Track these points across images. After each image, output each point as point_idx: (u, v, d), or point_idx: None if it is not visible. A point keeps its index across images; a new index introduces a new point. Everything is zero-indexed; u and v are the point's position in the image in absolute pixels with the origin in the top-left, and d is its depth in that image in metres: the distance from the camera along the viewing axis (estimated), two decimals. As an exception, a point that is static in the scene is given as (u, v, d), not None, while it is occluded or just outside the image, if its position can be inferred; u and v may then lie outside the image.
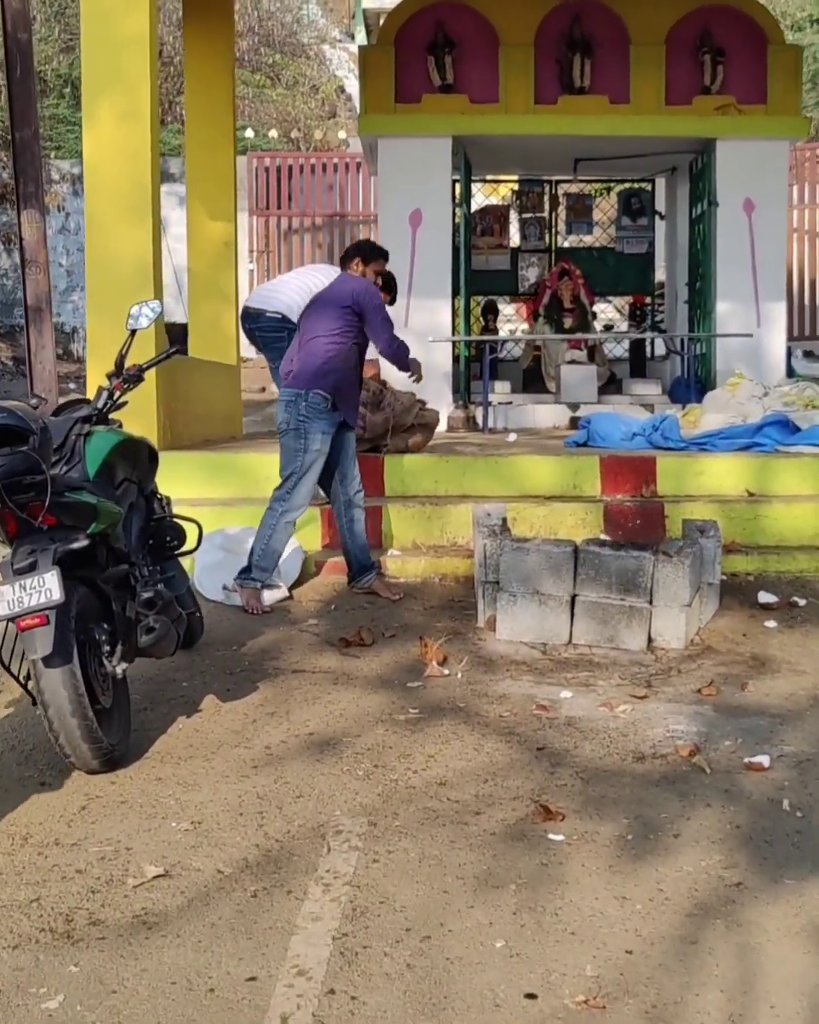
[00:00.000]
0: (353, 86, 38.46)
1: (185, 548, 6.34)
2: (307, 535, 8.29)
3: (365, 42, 19.37)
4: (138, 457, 5.95)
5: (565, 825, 4.54)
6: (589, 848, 4.37)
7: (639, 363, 15.15)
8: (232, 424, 11.68)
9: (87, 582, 5.03)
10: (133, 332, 5.96)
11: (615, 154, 13.93)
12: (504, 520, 7.62)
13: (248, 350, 16.67)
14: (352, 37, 45.37)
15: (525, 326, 16.68)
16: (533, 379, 14.74)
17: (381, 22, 16.29)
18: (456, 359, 13.36)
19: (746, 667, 6.49)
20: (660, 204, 15.84)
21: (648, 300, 15.50)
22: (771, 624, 7.12)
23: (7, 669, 4.89)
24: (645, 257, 15.74)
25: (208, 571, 7.74)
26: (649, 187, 15.75)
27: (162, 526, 6.21)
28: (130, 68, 8.49)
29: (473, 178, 13.94)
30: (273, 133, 21.66)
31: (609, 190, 15.86)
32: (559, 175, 15.51)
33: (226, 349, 11.78)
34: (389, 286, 7.93)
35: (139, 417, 8.57)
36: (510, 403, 13.38)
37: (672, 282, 15.39)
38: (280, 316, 8.87)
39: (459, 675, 6.35)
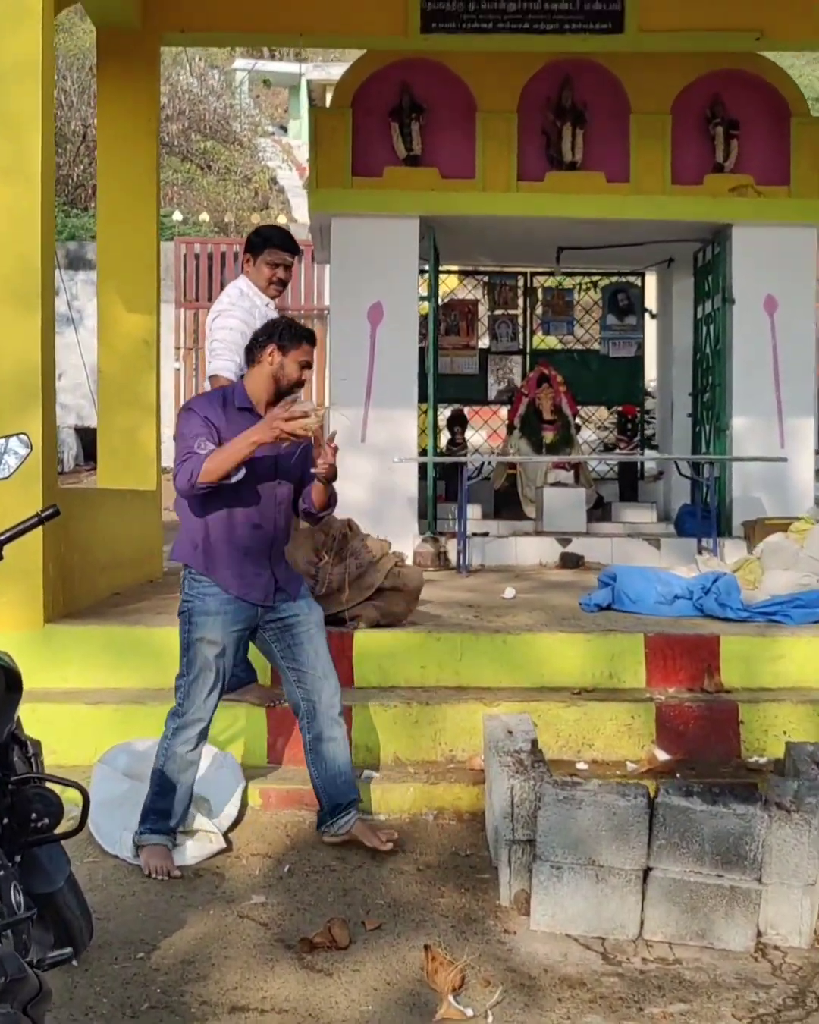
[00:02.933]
0: (287, 177, 37.12)
1: (61, 829, 3.96)
2: (247, 744, 5.98)
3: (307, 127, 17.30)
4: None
5: None
6: None
7: (629, 484, 13.01)
8: (149, 565, 9.34)
9: None
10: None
11: (609, 242, 11.88)
12: (534, 743, 5.32)
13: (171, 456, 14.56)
14: (285, 129, 44.26)
15: (489, 439, 14.50)
16: (507, 503, 12.55)
17: (329, 95, 14.21)
18: (422, 476, 11.14)
19: None
20: (650, 301, 13.82)
21: (638, 411, 13.38)
22: None
23: None
24: (633, 361, 13.68)
25: (107, 811, 5.39)
26: (638, 282, 13.72)
27: (23, 795, 3.82)
28: (15, 102, 6.26)
29: (440, 268, 11.80)
30: (204, 217, 19.50)
31: (595, 285, 13.81)
32: (537, 266, 13.44)
33: (144, 470, 9.47)
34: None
35: (17, 583, 6.29)
36: (486, 535, 11.12)
37: (666, 391, 13.32)
38: None
39: (488, 1018, 4.02)
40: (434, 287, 11.44)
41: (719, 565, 7.99)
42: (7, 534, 3.78)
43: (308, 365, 5.00)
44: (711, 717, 6.10)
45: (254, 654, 6.15)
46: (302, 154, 40.34)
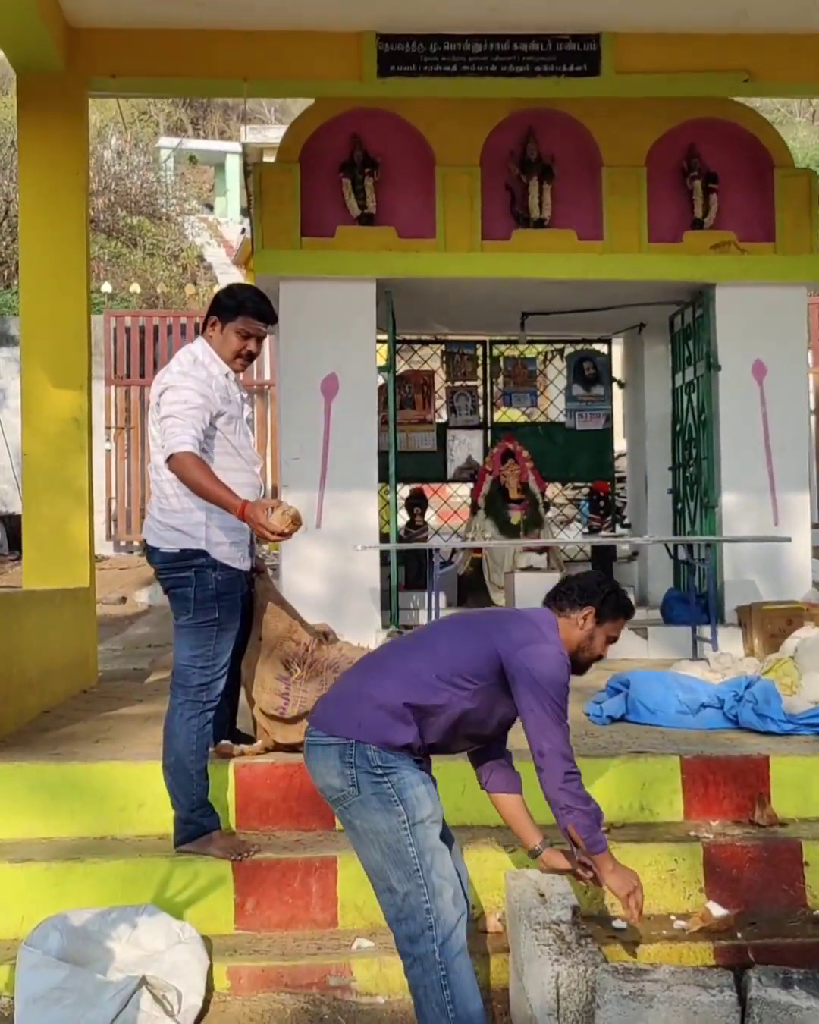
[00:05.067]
0: (214, 254, 36.40)
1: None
2: (209, 909, 4.89)
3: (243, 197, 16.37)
4: None
5: None
6: None
7: (604, 567, 11.98)
8: (82, 672, 8.22)
9: None
10: None
11: (579, 306, 10.96)
12: (575, 911, 4.25)
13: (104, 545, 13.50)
14: (211, 207, 43.70)
15: (448, 520, 13.48)
16: (472, 589, 11.48)
17: (263, 159, 13.37)
18: (383, 562, 10.09)
19: None
20: (617, 370, 12.93)
21: (611, 487, 12.42)
22: None
23: None
24: (602, 434, 12.74)
25: (36, 1009, 4.27)
26: (605, 350, 12.82)
27: None
28: None
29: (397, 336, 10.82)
30: (135, 287, 18.45)
31: (560, 353, 12.88)
32: (499, 334, 12.52)
33: (75, 566, 8.39)
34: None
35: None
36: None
37: (638, 465, 12.36)
38: None
39: None
40: (392, 357, 10.47)
41: (742, 664, 6.99)
42: None
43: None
44: (770, 859, 5.07)
45: (215, 796, 5.07)
46: (229, 231, 39.70)
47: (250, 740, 5.66)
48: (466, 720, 4.12)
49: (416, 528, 11.83)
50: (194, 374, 5.00)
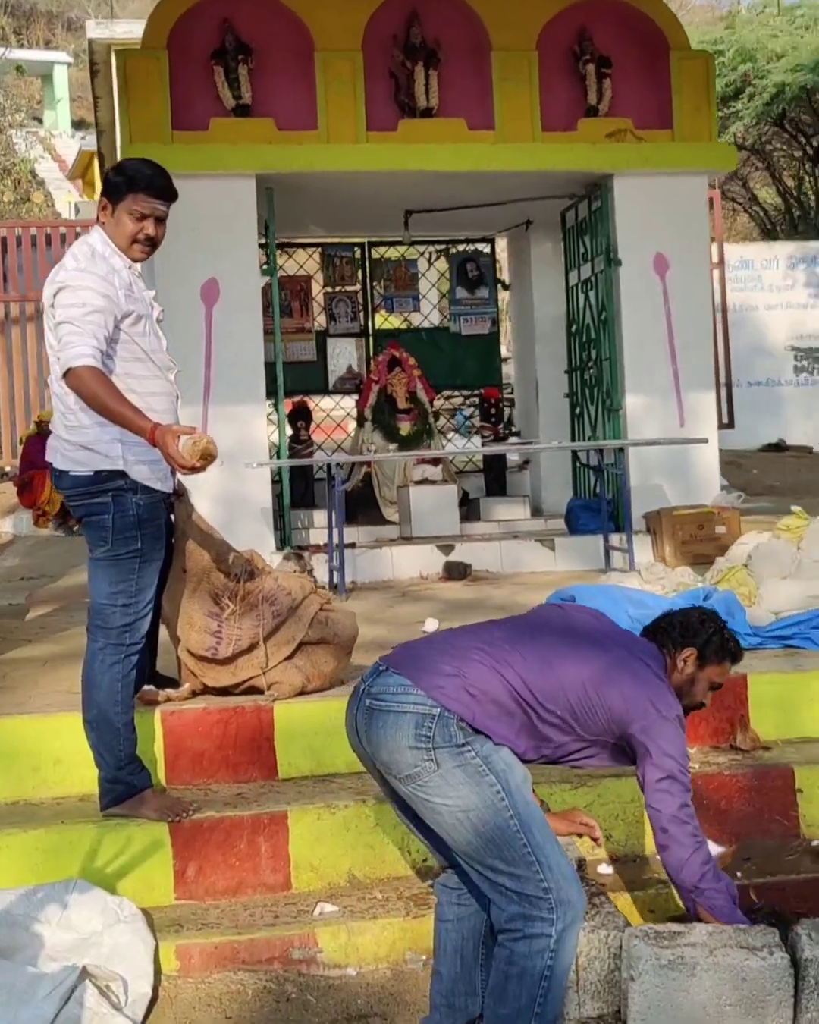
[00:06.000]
0: (47, 168, 34.92)
1: None
2: (146, 879, 4.32)
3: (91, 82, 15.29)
4: None
5: None
6: None
7: (496, 477, 11.50)
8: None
9: None
10: None
11: (466, 202, 10.34)
12: (581, 863, 3.78)
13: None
14: (40, 121, 41.96)
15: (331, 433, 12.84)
16: (362, 506, 10.90)
17: (115, 58, 12.49)
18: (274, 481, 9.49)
19: None
20: (502, 271, 12.39)
21: (500, 393, 11.91)
22: None
23: None
24: (488, 339, 12.19)
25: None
26: (488, 249, 12.24)
27: None
28: None
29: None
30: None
31: (444, 253, 12.25)
32: (379, 234, 11.85)
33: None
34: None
35: None
36: (352, 546, 9.48)
37: (527, 369, 11.87)
38: None
39: None
40: (272, 259, 9.78)
41: (677, 574, 6.56)
42: None
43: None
44: (759, 787, 4.66)
45: (141, 750, 4.48)
46: (62, 145, 38.10)
47: (173, 683, 5.06)
48: (565, 752, 3.56)
49: (301, 443, 11.20)
50: (93, 270, 4.30)
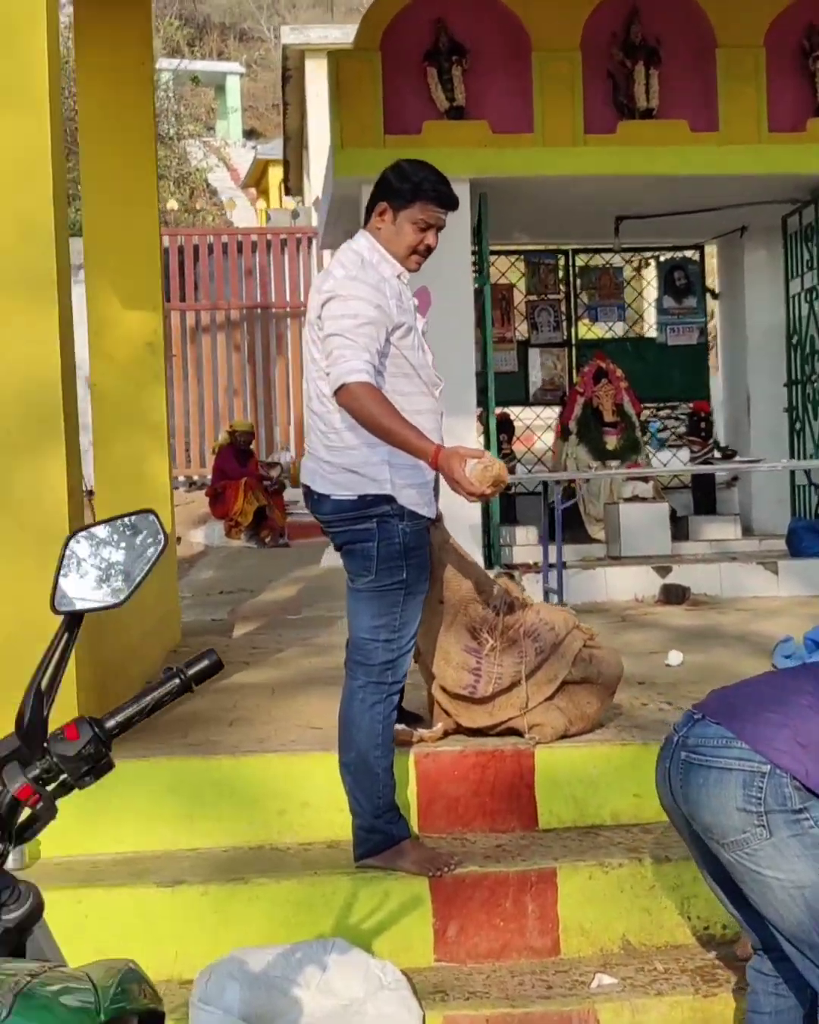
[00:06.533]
0: (219, 178, 35.14)
1: None
2: (403, 939, 3.99)
3: (283, 113, 15.17)
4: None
5: None
6: None
7: (707, 494, 11.02)
8: (168, 631, 7.26)
9: None
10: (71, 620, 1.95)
11: (682, 207, 9.89)
12: None
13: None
14: (213, 131, 42.33)
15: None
16: (566, 523, 10.47)
17: (311, 64, 12.30)
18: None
19: None
20: (711, 279, 11.91)
21: (710, 407, 11.42)
22: None
23: None
24: (696, 349, 11.71)
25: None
26: (696, 256, 11.77)
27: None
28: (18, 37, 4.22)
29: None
30: (171, 204, 17.29)
31: (655, 261, 11.83)
32: (587, 242, 11.45)
33: (155, 506, 7.36)
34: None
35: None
36: (564, 565, 9.08)
37: (737, 382, 11.38)
38: None
39: None
40: (485, 267, 9.44)
41: None
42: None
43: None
44: None
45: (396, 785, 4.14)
46: (234, 154, 38.37)
47: (417, 720, 4.72)
48: None
49: (503, 457, 10.84)
50: (364, 278, 3.99)
